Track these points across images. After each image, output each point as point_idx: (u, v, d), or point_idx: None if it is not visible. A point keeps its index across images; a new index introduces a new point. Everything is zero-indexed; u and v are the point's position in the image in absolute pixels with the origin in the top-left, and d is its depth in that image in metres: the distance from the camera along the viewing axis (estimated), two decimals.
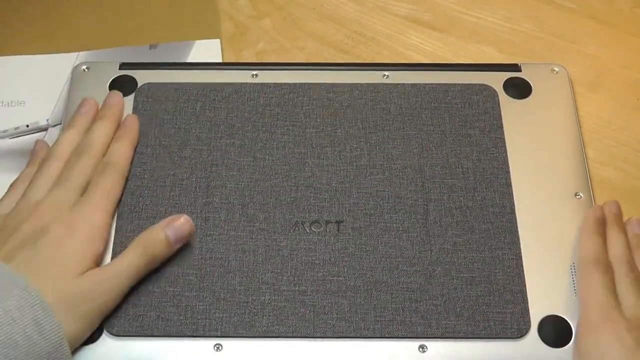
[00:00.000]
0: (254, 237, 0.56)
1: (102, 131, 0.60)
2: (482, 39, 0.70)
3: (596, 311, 0.51)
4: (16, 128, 0.65)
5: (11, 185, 0.59)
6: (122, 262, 0.53)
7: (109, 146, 0.59)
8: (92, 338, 0.52)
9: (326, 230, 0.57)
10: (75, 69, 0.66)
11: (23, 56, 0.69)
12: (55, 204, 0.55)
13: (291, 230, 0.57)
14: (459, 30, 0.71)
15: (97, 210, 0.55)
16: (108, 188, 0.57)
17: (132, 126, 0.61)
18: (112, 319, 0.53)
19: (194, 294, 0.54)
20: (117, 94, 0.62)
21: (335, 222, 0.57)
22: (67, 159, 0.58)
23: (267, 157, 0.60)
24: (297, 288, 0.54)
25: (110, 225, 0.56)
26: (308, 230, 0.57)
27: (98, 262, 0.54)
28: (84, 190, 0.56)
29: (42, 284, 0.50)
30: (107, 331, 0.53)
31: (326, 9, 0.72)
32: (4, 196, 0.58)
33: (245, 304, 0.54)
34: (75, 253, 0.52)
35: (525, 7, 0.72)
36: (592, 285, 0.53)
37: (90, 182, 0.57)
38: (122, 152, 0.59)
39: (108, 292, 0.52)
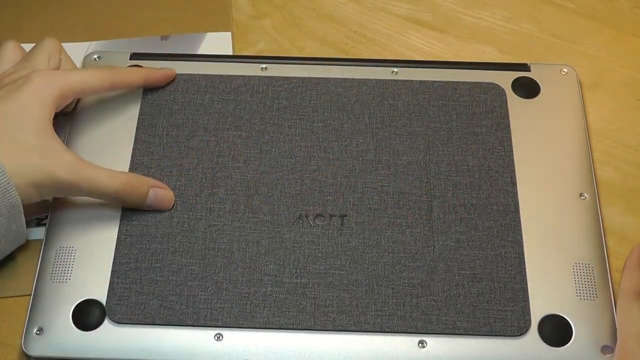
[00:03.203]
0: (257, 228, 0.57)
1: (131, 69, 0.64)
2: (482, 39, 0.70)
3: (633, 341, 0.52)
4: None
5: None
6: (100, 184, 0.55)
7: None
8: (94, 324, 0.53)
9: (330, 224, 0.57)
10: (86, 57, 0.66)
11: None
12: (24, 66, 0.58)
13: (295, 223, 0.57)
14: (458, 30, 0.71)
15: (67, 76, 0.58)
16: (82, 73, 0.59)
17: None
18: (114, 306, 0.53)
19: (197, 283, 0.54)
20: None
21: (339, 216, 0.57)
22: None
23: (273, 149, 0.60)
24: (298, 280, 0.55)
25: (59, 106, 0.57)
26: (312, 224, 0.57)
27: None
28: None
29: None
30: (109, 318, 0.53)
31: (326, 9, 0.72)
32: None
33: (246, 295, 0.54)
34: (31, 107, 0.55)
35: (525, 7, 0.72)
36: (631, 316, 0.53)
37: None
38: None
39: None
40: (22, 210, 0.53)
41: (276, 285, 0.54)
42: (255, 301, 0.54)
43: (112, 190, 0.56)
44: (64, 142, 0.56)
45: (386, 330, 0.53)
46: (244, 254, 0.56)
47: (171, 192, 0.58)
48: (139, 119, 0.62)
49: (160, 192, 0.57)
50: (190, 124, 0.61)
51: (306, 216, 0.57)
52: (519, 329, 0.53)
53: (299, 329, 0.53)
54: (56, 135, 0.55)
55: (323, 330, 0.53)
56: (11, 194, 0.51)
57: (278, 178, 0.59)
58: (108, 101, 0.63)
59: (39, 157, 0.53)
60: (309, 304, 0.54)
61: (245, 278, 0.55)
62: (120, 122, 0.62)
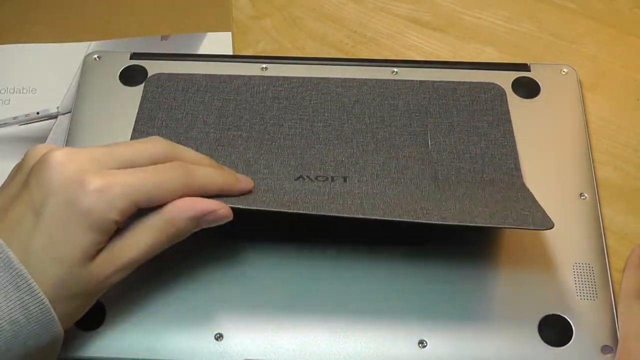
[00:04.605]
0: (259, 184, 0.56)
1: (206, 171, 0.52)
2: (482, 39, 0.70)
3: (635, 341, 0.52)
4: (26, 115, 0.66)
5: None
6: (139, 248, 0.47)
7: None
8: (92, 325, 0.53)
9: (331, 181, 0.57)
10: (86, 58, 0.66)
11: (36, 44, 0.70)
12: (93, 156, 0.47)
13: (295, 180, 0.57)
14: (459, 30, 0.71)
15: (139, 184, 0.46)
16: (177, 180, 0.48)
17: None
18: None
19: None
20: None
21: (341, 177, 0.57)
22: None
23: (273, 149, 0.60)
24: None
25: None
26: (312, 180, 0.57)
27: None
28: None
29: (36, 263, 0.44)
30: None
31: (326, 9, 0.72)
32: None
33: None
34: (83, 234, 0.45)
35: (525, 7, 0.72)
36: (632, 316, 0.53)
37: None
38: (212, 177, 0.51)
39: (112, 281, 0.48)
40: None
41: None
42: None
43: (154, 249, 0.48)
44: (64, 140, 0.55)
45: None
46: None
47: (225, 212, 0.50)
48: (138, 114, 0.61)
49: (210, 218, 0.49)
50: (190, 119, 0.61)
51: (307, 176, 0.57)
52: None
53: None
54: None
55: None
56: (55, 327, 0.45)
57: (278, 155, 0.59)
58: (107, 100, 0.63)
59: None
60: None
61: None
62: (120, 121, 0.62)
